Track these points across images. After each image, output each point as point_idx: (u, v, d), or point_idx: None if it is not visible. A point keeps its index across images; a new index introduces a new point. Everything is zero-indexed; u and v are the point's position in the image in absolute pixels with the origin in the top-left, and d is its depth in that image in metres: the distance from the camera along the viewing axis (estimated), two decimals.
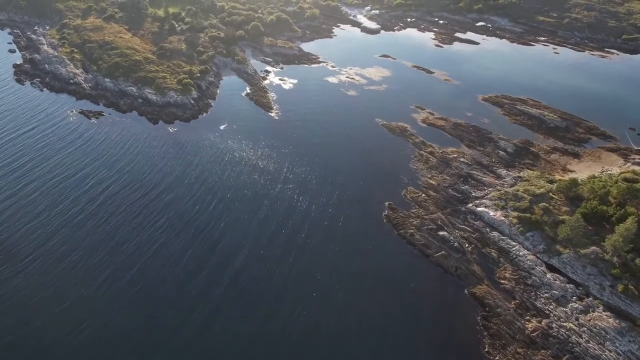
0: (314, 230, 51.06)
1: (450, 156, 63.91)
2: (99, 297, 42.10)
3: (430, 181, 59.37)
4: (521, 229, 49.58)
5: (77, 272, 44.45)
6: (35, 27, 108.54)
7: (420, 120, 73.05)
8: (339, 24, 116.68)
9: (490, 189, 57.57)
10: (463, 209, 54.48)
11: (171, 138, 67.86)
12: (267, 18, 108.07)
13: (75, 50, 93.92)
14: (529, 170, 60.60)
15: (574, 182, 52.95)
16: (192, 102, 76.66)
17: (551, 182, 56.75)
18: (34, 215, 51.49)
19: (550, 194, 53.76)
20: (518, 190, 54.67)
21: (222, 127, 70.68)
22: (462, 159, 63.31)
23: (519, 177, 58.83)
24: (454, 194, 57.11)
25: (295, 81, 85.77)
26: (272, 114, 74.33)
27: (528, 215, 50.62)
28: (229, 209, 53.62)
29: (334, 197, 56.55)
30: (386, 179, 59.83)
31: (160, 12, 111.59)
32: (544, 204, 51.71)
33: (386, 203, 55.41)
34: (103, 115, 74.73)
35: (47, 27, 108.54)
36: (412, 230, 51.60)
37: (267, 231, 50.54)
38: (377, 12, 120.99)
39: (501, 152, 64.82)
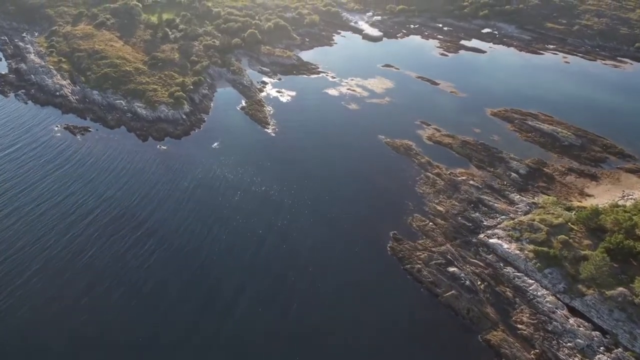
0: (314, 266, 46.72)
1: (459, 178, 59.61)
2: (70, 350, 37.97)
3: (438, 207, 55.09)
4: (538, 264, 45.28)
5: (53, 321, 40.23)
6: (24, 34, 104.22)
7: (425, 138, 68.72)
8: (339, 31, 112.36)
9: (503, 216, 53.27)
10: (474, 240, 50.19)
11: (161, 158, 63.52)
12: (265, 25, 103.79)
13: (64, 59, 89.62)
14: (543, 195, 56.27)
15: (596, 212, 48.62)
16: (184, 117, 72.34)
17: (569, 209, 52.46)
18: (14, 250, 47.29)
19: (569, 224, 49.45)
20: (534, 220, 50.35)
21: (214, 145, 66.38)
22: (471, 182, 59.01)
23: (534, 203, 54.49)
24: (464, 222, 52.81)
25: (293, 93, 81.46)
26: (269, 130, 70.02)
27: (546, 249, 46.33)
28: (223, 244, 49.24)
29: (334, 225, 52.29)
30: (390, 205, 55.54)
31: (154, 19, 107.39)
32: (563, 236, 47.40)
33: (391, 233, 51.13)
34: (90, 131, 70.48)
35: (36, 34, 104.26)
36: (419, 265, 47.33)
37: (263, 268, 46.36)
38: (379, 18, 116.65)
39: (513, 174, 60.48)
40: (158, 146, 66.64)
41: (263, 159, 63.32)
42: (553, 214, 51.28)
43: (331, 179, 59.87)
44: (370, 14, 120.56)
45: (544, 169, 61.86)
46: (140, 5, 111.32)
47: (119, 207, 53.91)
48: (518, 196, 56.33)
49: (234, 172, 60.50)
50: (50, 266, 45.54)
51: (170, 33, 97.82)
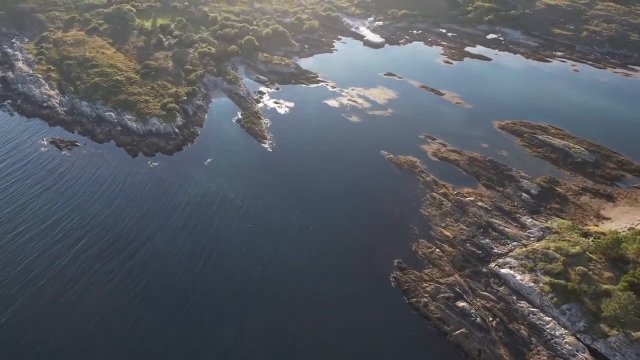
0: (313, 302, 43.29)
1: (467, 199, 56.08)
2: None
3: (445, 232, 51.59)
4: (555, 299, 41.77)
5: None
6: (13, 40, 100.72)
7: (430, 153, 65.19)
8: (340, 37, 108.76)
9: (515, 243, 49.73)
10: (484, 269, 46.67)
11: (152, 176, 60.01)
12: (263, 31, 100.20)
13: (53, 67, 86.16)
14: (557, 219, 52.70)
15: (616, 241, 45.09)
16: (177, 130, 68.82)
17: (585, 235, 48.93)
18: None
19: (587, 252, 45.96)
20: (548, 248, 46.81)
21: (208, 162, 62.92)
22: (480, 203, 55.47)
23: (547, 228, 50.90)
24: (473, 249, 49.30)
25: (291, 104, 77.91)
26: (265, 145, 66.50)
27: (563, 281, 42.81)
28: (219, 273, 45.84)
29: (334, 252, 48.79)
30: (394, 229, 52.03)
31: (148, 24, 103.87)
32: (582, 267, 43.88)
33: (395, 261, 47.67)
34: (77, 145, 67.02)
35: (26, 40, 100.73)
36: (425, 299, 43.82)
37: (261, 302, 42.91)
38: (380, 23, 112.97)
39: (524, 195, 56.94)
40: (149, 163, 63.14)
41: (259, 178, 59.78)
42: (569, 241, 47.76)
43: (331, 199, 56.36)
44: (372, 19, 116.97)
45: (557, 189, 58.31)
46: (134, 10, 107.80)
47: (108, 234, 50.35)
48: (530, 220, 52.76)
49: (229, 192, 56.93)
50: (30, 303, 42.21)
51: (164, 39, 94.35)
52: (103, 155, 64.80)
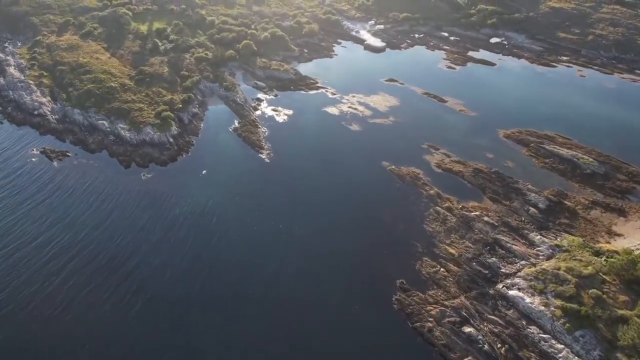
0: (309, 327, 41.09)
1: (472, 214, 53.80)
2: None
3: (450, 250, 49.33)
4: (568, 325, 39.47)
5: None
6: (6, 44, 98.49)
7: (434, 164, 62.91)
8: (340, 41, 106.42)
9: (523, 262, 47.46)
10: (491, 291, 44.36)
11: (145, 189, 57.68)
12: (261, 35, 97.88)
13: (45, 73, 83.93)
14: (567, 235, 50.39)
15: (632, 262, 42.83)
16: (171, 140, 66.54)
17: (597, 253, 46.65)
18: None
19: (601, 274, 43.70)
20: (559, 268, 44.52)
21: (203, 174, 60.69)
22: (485, 218, 53.19)
23: (557, 245, 48.61)
24: (479, 269, 47.03)
25: (290, 112, 75.62)
26: (263, 156, 64.22)
27: (575, 306, 40.50)
28: (218, 297, 43.66)
29: (334, 272, 46.61)
30: (396, 246, 49.80)
31: (144, 28, 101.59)
32: (595, 290, 41.58)
33: (397, 281, 45.46)
34: (68, 155, 64.80)
35: (19, 44, 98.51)
36: (430, 324, 41.59)
37: (256, 328, 40.71)
38: (381, 26, 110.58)
39: (531, 209, 54.64)
40: (142, 174, 60.88)
41: (256, 192, 57.52)
42: (581, 260, 45.47)
43: (330, 214, 54.10)
44: (373, 22, 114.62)
45: (566, 202, 55.99)
46: (130, 13, 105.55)
47: (101, 252, 48.18)
48: (539, 236, 50.45)
49: (224, 208, 54.71)
50: (20, 326, 40.01)
51: (160, 44, 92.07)
52: (95, 166, 62.56)
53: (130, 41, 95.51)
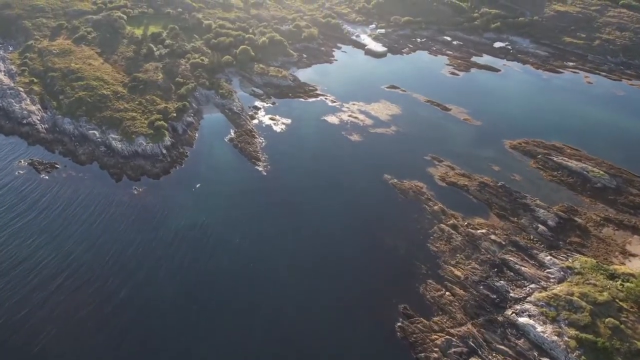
0: (309, 355, 38.64)
1: (478, 232, 51.23)
2: None
3: (456, 272, 46.76)
4: (583, 358, 36.95)
5: None
6: None
7: (438, 177, 60.32)
8: (340, 45, 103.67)
9: (533, 285, 44.89)
10: (500, 318, 41.84)
11: (137, 205, 55.20)
12: (259, 40, 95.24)
13: (36, 80, 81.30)
14: (579, 256, 47.81)
15: None
16: (164, 151, 63.97)
17: (612, 276, 44.11)
18: None
19: (617, 300, 41.18)
20: (572, 294, 41.96)
21: (197, 187, 58.16)
22: (492, 237, 50.62)
23: (569, 267, 46.06)
24: (487, 293, 44.47)
25: (288, 121, 73.00)
26: (259, 168, 61.65)
27: (591, 336, 38.03)
28: (213, 328, 41.16)
29: (332, 297, 44.07)
30: (399, 268, 47.27)
31: (139, 32, 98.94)
32: (612, 319, 39.08)
33: (400, 306, 42.95)
34: (57, 167, 62.25)
35: (10, 49, 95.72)
36: (435, 354, 39.05)
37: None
38: (382, 31, 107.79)
39: (540, 227, 52.05)
40: (133, 188, 58.34)
41: (252, 207, 55.01)
42: (595, 285, 42.94)
43: (329, 232, 51.55)
44: (374, 26, 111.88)
45: (576, 219, 53.41)
46: (125, 17, 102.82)
47: (89, 276, 45.84)
48: (549, 257, 47.87)
49: (219, 224, 52.20)
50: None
51: (155, 49, 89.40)
52: (85, 179, 60.00)
53: (124, 46, 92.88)
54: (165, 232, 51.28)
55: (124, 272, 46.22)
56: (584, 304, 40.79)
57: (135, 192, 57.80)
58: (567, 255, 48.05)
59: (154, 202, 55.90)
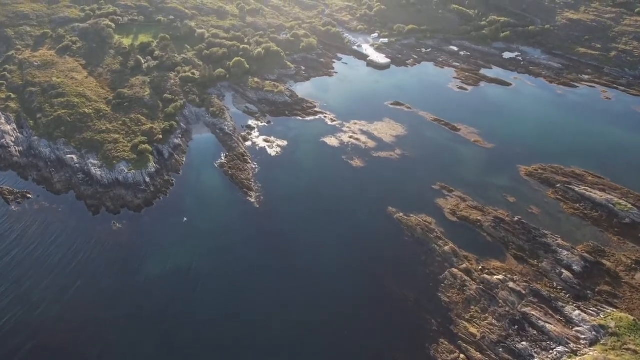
0: None
1: (495, 278, 45.62)
2: None
3: (471, 328, 41.19)
4: None
5: None
6: None
7: (448, 211, 54.68)
8: (340, 56, 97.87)
9: (560, 348, 39.29)
10: None
11: (116, 244, 49.80)
12: (255, 51, 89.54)
13: (13, 95, 75.70)
14: (612, 311, 42.17)
15: None
16: (148, 179, 58.38)
17: None
18: None
19: None
20: None
21: (183, 222, 52.63)
22: (511, 285, 44.98)
23: (602, 326, 40.46)
24: (508, 357, 38.93)
25: (284, 143, 67.37)
26: (251, 199, 56.06)
27: None
28: None
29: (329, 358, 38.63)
30: (407, 324, 41.66)
31: (127, 42, 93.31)
32: None
33: None
34: (29, 197, 56.79)
35: None
36: None
37: None
38: (385, 40, 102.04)
39: (564, 272, 46.40)
40: (112, 223, 52.77)
41: (242, 247, 49.43)
42: (635, 351, 37.35)
43: (327, 279, 45.89)
44: (376, 35, 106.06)
45: (604, 262, 47.79)
46: (114, 25, 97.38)
47: (58, 338, 40.20)
48: (577, 311, 42.20)
49: (206, 271, 46.64)
50: None
51: (143, 61, 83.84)
52: (59, 212, 54.46)
53: (111, 57, 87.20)
54: (147, 279, 45.73)
55: (97, 334, 40.59)
56: None
57: (114, 228, 52.24)
58: (598, 309, 42.42)
59: (135, 240, 50.36)
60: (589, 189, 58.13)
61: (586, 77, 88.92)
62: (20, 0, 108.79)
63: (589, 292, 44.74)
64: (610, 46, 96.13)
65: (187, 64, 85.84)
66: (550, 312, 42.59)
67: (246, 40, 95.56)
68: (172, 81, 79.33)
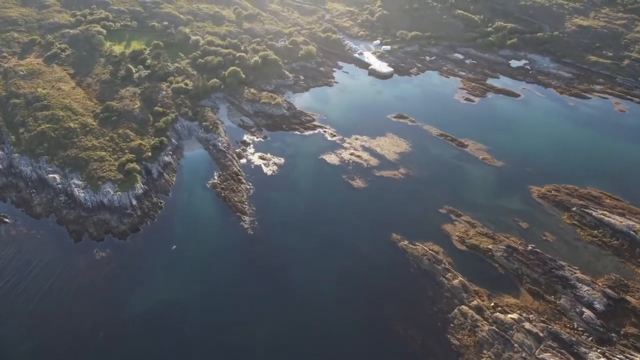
0: None
1: (509, 318, 41.74)
2: None
3: None
4: None
5: None
6: None
7: (456, 238, 50.80)
8: (341, 65, 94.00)
9: None
10: None
11: (98, 276, 46.08)
12: (251, 59, 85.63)
13: None
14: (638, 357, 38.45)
15: None
16: (135, 202, 54.49)
17: None
18: None
19: None
20: None
21: (172, 250, 48.83)
22: (527, 326, 41.11)
23: None
24: None
25: (281, 161, 63.49)
26: (245, 225, 52.16)
27: None
28: None
29: None
30: None
31: (119, 49, 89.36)
32: None
33: None
34: (6, 222, 52.97)
35: None
36: None
37: None
38: (388, 47, 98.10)
39: (585, 312, 42.50)
40: (95, 251, 48.91)
41: (234, 280, 45.65)
42: None
43: (326, 319, 41.96)
44: (378, 42, 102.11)
45: (628, 298, 43.92)
46: (105, 32, 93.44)
47: None
48: (602, 358, 38.40)
49: (198, 305, 42.91)
50: None
51: (134, 71, 79.94)
52: (38, 239, 50.67)
53: (101, 66, 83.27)
54: (131, 316, 41.94)
55: None
56: None
57: (97, 257, 48.41)
58: (625, 357, 38.59)
59: (119, 273, 46.58)
60: (608, 214, 54.22)
61: (598, 87, 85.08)
62: (8, 5, 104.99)
63: (613, 334, 40.87)
64: (622, 54, 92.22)
65: (180, 73, 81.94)
66: (572, 359, 38.77)
67: (242, 48, 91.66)
68: (164, 92, 75.42)
